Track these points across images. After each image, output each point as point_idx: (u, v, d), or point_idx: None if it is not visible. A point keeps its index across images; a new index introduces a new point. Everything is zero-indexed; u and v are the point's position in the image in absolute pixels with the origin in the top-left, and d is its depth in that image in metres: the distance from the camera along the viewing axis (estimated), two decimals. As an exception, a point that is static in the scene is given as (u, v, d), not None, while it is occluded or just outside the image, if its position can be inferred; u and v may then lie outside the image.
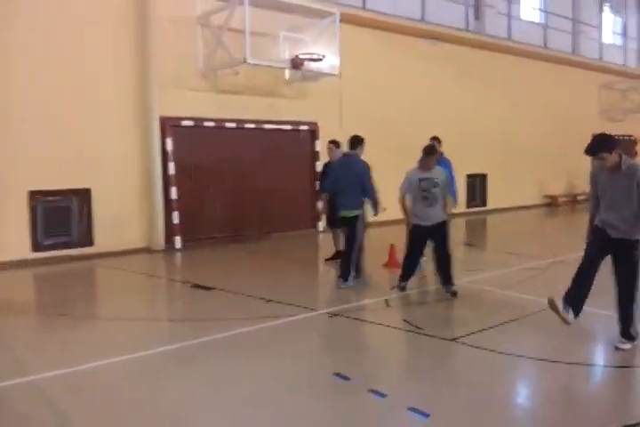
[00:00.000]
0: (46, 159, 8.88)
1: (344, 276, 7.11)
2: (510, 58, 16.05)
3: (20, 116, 8.63)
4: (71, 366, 4.45)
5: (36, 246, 8.92)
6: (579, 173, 19.11)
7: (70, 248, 9.24)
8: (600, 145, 4.62)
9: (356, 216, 7.10)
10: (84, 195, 9.31)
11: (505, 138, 15.88)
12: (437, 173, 6.64)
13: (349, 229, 7.23)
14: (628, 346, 4.72)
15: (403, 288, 6.79)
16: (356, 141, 7.37)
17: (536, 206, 17.23)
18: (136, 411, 3.77)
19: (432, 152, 6.68)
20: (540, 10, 18.36)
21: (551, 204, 17.80)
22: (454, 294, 6.54)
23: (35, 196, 8.85)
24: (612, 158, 4.57)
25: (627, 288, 4.75)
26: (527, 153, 16.63)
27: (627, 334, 4.77)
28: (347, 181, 7.10)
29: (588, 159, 18.84)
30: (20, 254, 8.70)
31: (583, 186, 19.32)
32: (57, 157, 8.96)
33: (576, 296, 4.83)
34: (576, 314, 4.81)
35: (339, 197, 7.26)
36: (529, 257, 8.91)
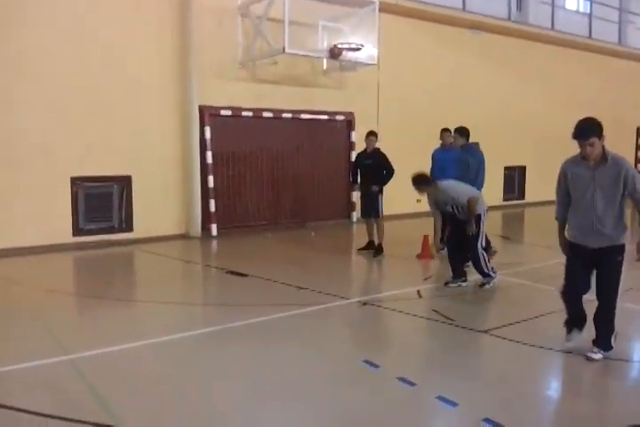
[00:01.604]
0: (89, 146, 9.12)
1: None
2: (553, 48, 15.67)
3: (64, 103, 8.88)
4: (109, 347, 4.61)
5: (78, 231, 9.20)
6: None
7: (110, 233, 9.50)
8: (592, 128, 4.08)
9: None
10: (124, 182, 9.55)
11: (545, 130, 15.56)
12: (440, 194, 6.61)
13: None
14: (599, 356, 4.28)
15: (446, 283, 6.70)
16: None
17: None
18: (171, 391, 3.90)
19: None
20: (585, -1, 17.87)
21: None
22: (482, 285, 6.55)
23: (76, 182, 9.12)
24: (599, 147, 4.08)
25: (607, 302, 4.24)
26: (568, 146, 16.10)
27: (603, 344, 4.33)
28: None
29: (632, 153, 18.48)
30: (62, 239, 8.99)
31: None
32: (99, 145, 9.20)
33: (578, 325, 4.49)
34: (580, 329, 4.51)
35: None
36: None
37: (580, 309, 4.46)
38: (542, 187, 15.78)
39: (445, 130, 8.61)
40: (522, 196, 15.76)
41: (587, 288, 4.37)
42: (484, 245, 6.66)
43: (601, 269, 4.24)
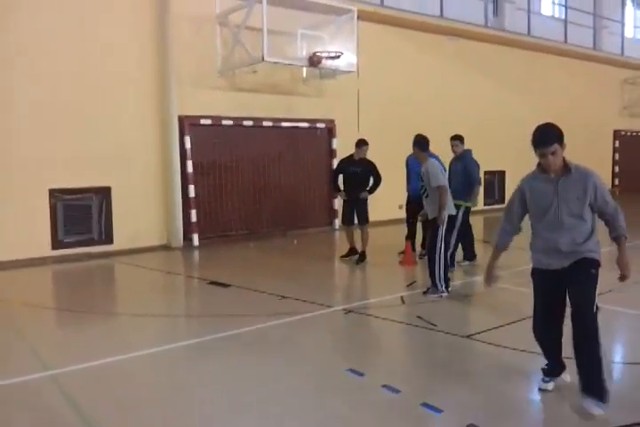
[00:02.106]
0: (67, 158, 9.02)
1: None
2: (530, 54, 15.89)
3: (40, 115, 8.78)
4: (90, 361, 4.53)
5: (57, 244, 9.07)
6: (599, 170, 18.87)
7: (90, 246, 9.38)
8: (553, 134, 3.65)
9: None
10: (104, 193, 9.45)
11: (524, 134, 15.53)
12: (424, 165, 6.65)
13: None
14: (599, 411, 3.43)
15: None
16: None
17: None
18: (155, 405, 3.84)
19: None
20: (560, 5, 18.14)
21: (571, 201, 17.57)
22: (424, 292, 6.51)
23: (55, 194, 9.00)
24: (560, 156, 3.62)
25: (584, 323, 3.51)
26: (547, 150, 16.44)
27: (595, 391, 3.48)
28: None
29: (609, 156, 18.83)
30: (40, 252, 8.85)
31: (605, 183, 19.11)
32: (77, 156, 9.10)
33: (555, 368, 3.90)
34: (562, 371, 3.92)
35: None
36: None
37: (558, 349, 3.85)
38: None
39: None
40: (502, 200, 15.86)
41: (561, 320, 3.76)
42: (442, 252, 6.48)
43: (573, 286, 3.62)
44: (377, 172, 8.47)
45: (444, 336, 5.08)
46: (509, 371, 4.33)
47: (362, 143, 8.59)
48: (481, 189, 8.26)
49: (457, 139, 8.13)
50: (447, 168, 8.00)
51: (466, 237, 8.03)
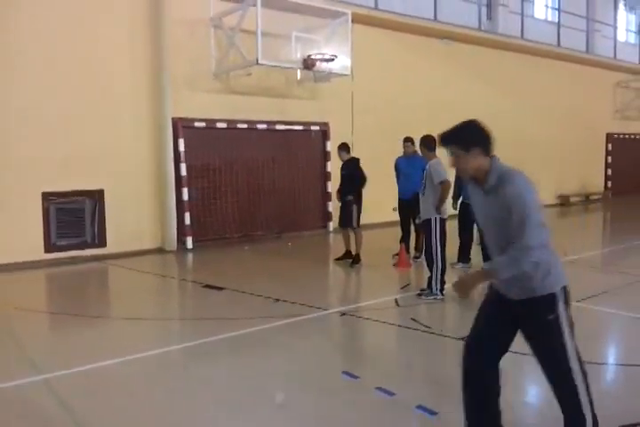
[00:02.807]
0: (59, 160, 8.98)
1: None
2: (523, 57, 15.96)
3: (33, 117, 8.73)
4: (84, 365, 4.50)
5: (49, 247, 9.02)
6: (592, 172, 19.01)
7: (83, 249, 9.33)
8: (459, 134, 2.89)
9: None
10: (97, 196, 9.40)
11: (517, 137, 15.76)
12: (429, 164, 6.68)
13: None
14: None
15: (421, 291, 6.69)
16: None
17: (548, 206, 17.11)
18: (148, 409, 3.81)
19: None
20: (553, 8, 18.25)
21: (563, 203, 17.68)
22: (419, 293, 6.52)
23: (48, 197, 8.94)
24: (471, 160, 2.81)
25: (559, 386, 2.86)
26: (539, 152, 16.53)
27: None
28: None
29: (602, 159, 18.92)
30: (33, 255, 8.79)
31: (596, 185, 19.22)
32: (70, 159, 9.06)
33: None
34: None
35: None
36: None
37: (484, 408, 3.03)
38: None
39: (407, 139, 8.72)
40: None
41: (493, 356, 3.05)
42: (439, 254, 6.49)
43: (527, 338, 2.92)
44: (358, 172, 8.42)
45: (439, 338, 5.08)
46: (504, 373, 4.32)
47: (337, 148, 8.70)
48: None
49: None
50: None
51: (465, 238, 8.14)
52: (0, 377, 4.26)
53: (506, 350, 3.03)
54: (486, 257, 8.05)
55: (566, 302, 2.79)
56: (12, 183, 8.58)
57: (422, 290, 6.55)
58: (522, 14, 16.34)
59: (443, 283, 6.47)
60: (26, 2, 8.63)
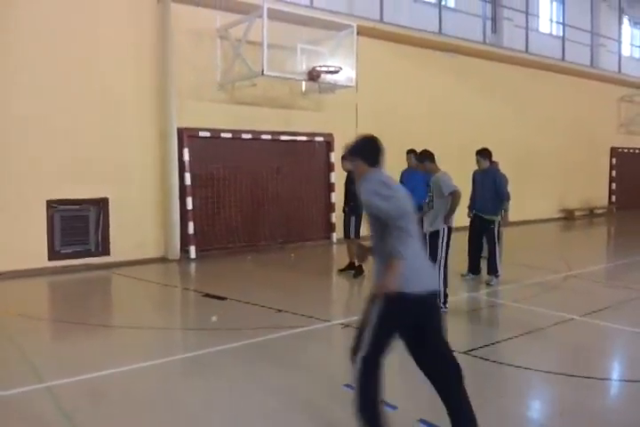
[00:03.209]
0: (64, 169, 9.02)
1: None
2: (528, 71, 16.02)
3: (38, 126, 8.79)
4: (86, 374, 4.50)
5: (54, 255, 9.04)
6: (596, 186, 18.99)
7: (87, 257, 9.35)
8: (360, 146, 3.39)
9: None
10: (101, 204, 9.44)
11: (521, 151, 15.81)
12: (434, 177, 6.67)
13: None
14: None
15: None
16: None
17: (552, 220, 17.09)
18: (148, 419, 3.80)
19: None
20: (558, 22, 18.35)
21: (567, 217, 17.65)
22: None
23: (52, 205, 8.98)
24: (359, 167, 3.34)
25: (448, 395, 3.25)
26: (543, 166, 16.55)
27: None
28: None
29: (607, 173, 18.85)
30: (37, 263, 8.81)
31: (601, 200, 19.19)
32: (75, 167, 9.10)
33: None
34: None
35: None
36: (543, 270, 8.84)
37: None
38: (517, 207, 16.01)
39: (410, 151, 8.72)
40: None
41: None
42: (444, 266, 6.48)
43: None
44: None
45: (442, 352, 5.05)
46: (508, 388, 4.31)
47: (342, 158, 8.70)
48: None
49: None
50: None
51: (475, 249, 8.22)
52: (2, 384, 4.26)
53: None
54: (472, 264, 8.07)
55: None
56: (17, 191, 8.62)
57: None
58: (526, 28, 16.43)
59: (446, 296, 6.45)
60: (30, 14, 8.73)
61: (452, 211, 6.45)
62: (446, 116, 13.97)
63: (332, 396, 4.12)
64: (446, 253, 6.46)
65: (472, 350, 5.05)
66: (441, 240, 6.42)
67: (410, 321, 3.18)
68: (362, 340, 3.12)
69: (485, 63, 14.94)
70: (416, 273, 3.10)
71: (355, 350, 3.16)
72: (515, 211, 15.76)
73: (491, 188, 8.01)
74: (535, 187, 16.33)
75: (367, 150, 3.38)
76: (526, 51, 16.23)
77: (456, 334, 5.90)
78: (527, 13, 16.43)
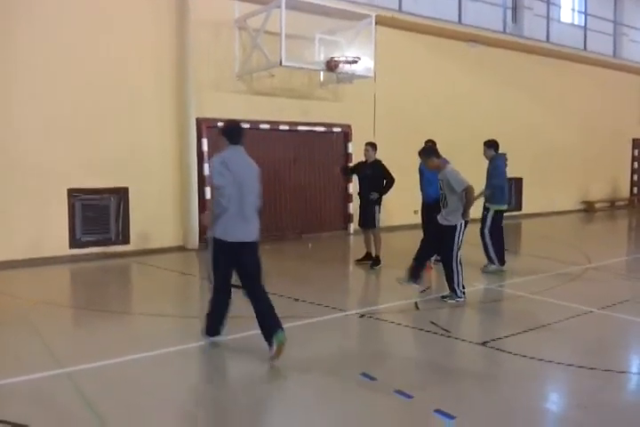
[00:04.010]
0: (86, 158, 9.13)
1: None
2: (548, 61, 15.80)
3: (62, 116, 8.90)
4: (105, 360, 4.58)
5: (75, 243, 9.17)
6: (618, 178, 18.74)
7: (107, 246, 9.48)
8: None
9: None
10: (121, 194, 9.54)
11: (542, 142, 15.66)
12: (442, 173, 6.60)
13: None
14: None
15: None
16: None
17: (572, 212, 16.91)
18: (166, 405, 3.87)
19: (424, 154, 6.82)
20: (579, 12, 18.03)
21: (588, 209, 17.45)
22: (443, 297, 6.51)
23: (73, 194, 9.10)
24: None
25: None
26: (564, 158, 16.36)
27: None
28: None
29: (628, 165, 18.54)
30: (58, 251, 8.96)
31: (622, 192, 18.93)
32: (96, 157, 9.20)
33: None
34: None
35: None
36: (563, 262, 8.78)
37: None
38: (539, 198, 15.90)
39: (427, 142, 8.66)
40: (519, 207, 15.79)
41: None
42: (459, 258, 6.52)
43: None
44: (388, 173, 8.43)
45: (458, 343, 5.07)
46: (523, 378, 4.31)
47: (365, 145, 8.65)
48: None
49: (486, 144, 8.46)
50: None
51: (498, 241, 8.19)
52: (23, 370, 4.36)
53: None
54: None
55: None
56: (38, 180, 8.74)
57: (447, 295, 6.51)
58: (547, 17, 16.17)
59: (463, 286, 6.45)
60: (53, 8, 8.80)
61: (468, 206, 6.43)
62: (465, 105, 13.85)
63: (350, 384, 4.16)
64: (459, 248, 6.47)
65: (489, 341, 5.05)
66: (457, 235, 6.41)
67: (227, 259, 4.70)
68: (209, 273, 4.76)
69: (505, 53, 14.75)
70: (231, 228, 4.65)
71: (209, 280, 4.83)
72: (535, 202, 15.80)
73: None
74: (555, 179, 16.17)
75: (228, 131, 5.14)
76: (547, 40, 15.99)
77: (473, 326, 5.92)
78: (548, 2, 16.17)
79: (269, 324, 4.54)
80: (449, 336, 5.22)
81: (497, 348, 4.87)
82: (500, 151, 8.39)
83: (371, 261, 8.53)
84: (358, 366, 4.49)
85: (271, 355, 4.42)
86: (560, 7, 17.43)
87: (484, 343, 5.01)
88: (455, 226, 6.41)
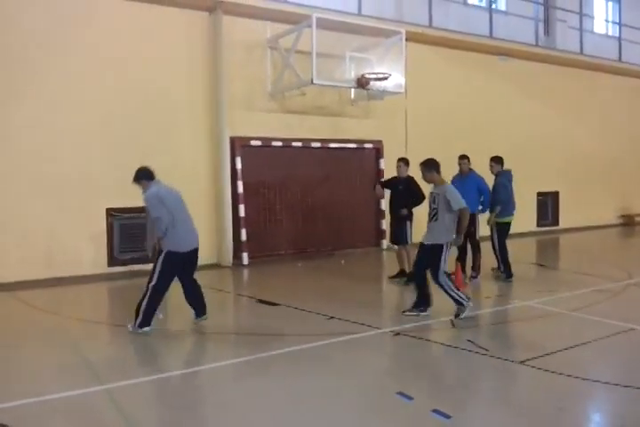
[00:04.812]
0: (122, 178, 9.28)
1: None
2: (582, 72, 15.60)
3: (100, 135, 9.16)
4: (144, 376, 4.64)
5: (113, 261, 9.36)
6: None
7: (144, 263, 9.60)
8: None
9: None
10: (157, 212, 9.69)
11: (579, 155, 15.41)
12: (439, 188, 6.53)
13: None
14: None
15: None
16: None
17: (611, 226, 16.53)
18: (202, 421, 3.89)
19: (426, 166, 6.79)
20: (613, 22, 17.79)
21: (627, 223, 17.03)
22: (456, 316, 6.37)
23: (111, 213, 9.31)
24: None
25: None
26: (602, 171, 16.05)
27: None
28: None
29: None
30: (96, 269, 9.15)
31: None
32: (132, 176, 9.37)
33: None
34: None
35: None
36: (602, 278, 8.57)
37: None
38: (576, 213, 15.60)
39: (462, 157, 8.78)
40: (556, 222, 15.51)
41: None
42: (446, 269, 6.49)
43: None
44: (419, 189, 8.39)
45: (496, 361, 4.98)
46: (563, 399, 4.20)
47: (398, 161, 8.66)
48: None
49: (493, 160, 8.79)
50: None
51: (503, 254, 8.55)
52: (63, 386, 4.45)
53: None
54: None
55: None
56: (79, 200, 8.99)
57: (456, 316, 6.38)
58: (580, 29, 15.99)
59: (460, 292, 6.50)
60: (95, 30, 9.10)
61: (462, 228, 6.38)
62: (497, 120, 13.74)
63: (386, 403, 4.12)
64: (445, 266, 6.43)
65: (529, 360, 4.95)
66: (444, 254, 6.34)
67: (179, 266, 6.03)
68: (152, 275, 5.94)
69: (538, 66, 14.62)
70: (182, 240, 6.08)
71: (149, 280, 5.96)
72: (573, 217, 15.49)
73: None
74: (593, 192, 15.86)
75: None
76: (581, 52, 15.80)
77: (511, 344, 5.81)
78: (581, 14, 16.00)
79: (202, 304, 6.34)
80: (487, 355, 5.13)
81: (536, 366, 4.77)
82: (505, 167, 8.77)
83: (404, 277, 8.47)
84: (394, 385, 4.45)
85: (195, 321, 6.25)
86: (593, 18, 17.23)
87: (523, 362, 4.91)
88: (442, 245, 6.35)
